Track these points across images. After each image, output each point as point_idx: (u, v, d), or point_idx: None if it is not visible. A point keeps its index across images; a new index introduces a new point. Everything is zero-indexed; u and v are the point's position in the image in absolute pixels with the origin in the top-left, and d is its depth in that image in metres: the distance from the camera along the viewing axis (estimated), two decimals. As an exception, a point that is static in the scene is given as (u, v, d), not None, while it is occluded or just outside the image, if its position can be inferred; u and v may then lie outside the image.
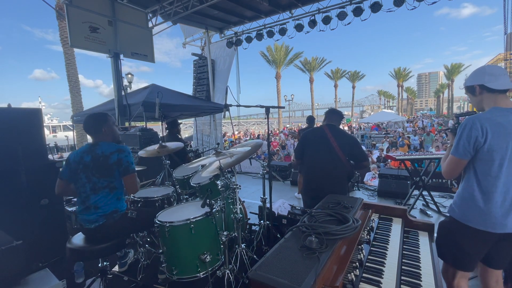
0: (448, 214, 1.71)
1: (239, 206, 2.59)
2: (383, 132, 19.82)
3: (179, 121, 4.77)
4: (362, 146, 2.75)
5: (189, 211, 2.32)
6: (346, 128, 24.16)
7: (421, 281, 1.28)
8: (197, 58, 8.23)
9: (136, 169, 3.22)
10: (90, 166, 2.00)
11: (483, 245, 1.55)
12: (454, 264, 1.66)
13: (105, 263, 2.31)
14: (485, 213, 1.49)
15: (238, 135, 22.40)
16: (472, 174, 1.56)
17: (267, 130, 2.98)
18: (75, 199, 3.55)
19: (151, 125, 5.40)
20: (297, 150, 2.85)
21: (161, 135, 4.43)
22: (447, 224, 1.69)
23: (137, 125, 5.34)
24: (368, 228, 1.66)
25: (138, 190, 2.22)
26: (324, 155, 2.55)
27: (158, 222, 2.15)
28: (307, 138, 2.75)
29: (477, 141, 1.47)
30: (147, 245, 2.68)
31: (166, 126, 4.51)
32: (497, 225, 1.47)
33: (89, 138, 2.19)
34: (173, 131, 4.52)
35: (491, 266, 1.64)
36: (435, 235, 1.80)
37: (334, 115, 2.75)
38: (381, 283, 1.22)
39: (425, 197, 4.45)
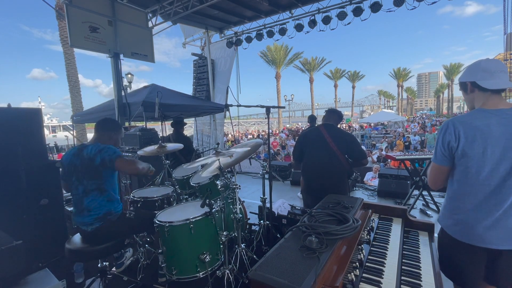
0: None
1: (239, 206, 2.59)
2: (383, 132, 19.86)
3: (185, 120, 4.78)
4: (360, 144, 2.74)
5: (188, 211, 2.32)
6: (345, 127, 24.17)
7: (421, 281, 1.28)
8: (197, 58, 8.23)
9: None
10: (79, 168, 2.01)
11: (474, 259, 1.37)
12: (453, 280, 1.51)
13: (104, 263, 2.31)
14: (466, 225, 1.35)
15: (238, 135, 22.38)
16: (450, 182, 1.45)
17: (267, 130, 2.98)
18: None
19: (151, 125, 5.40)
20: (295, 152, 2.85)
21: (161, 135, 4.43)
22: (440, 235, 1.56)
23: (137, 125, 5.34)
24: (368, 228, 1.66)
25: (138, 168, 2.07)
26: (322, 155, 2.55)
27: (158, 222, 2.15)
28: (304, 139, 2.75)
29: (450, 146, 1.34)
30: (147, 245, 2.67)
31: (171, 124, 4.52)
32: (477, 237, 1.32)
33: (89, 138, 2.20)
34: (180, 130, 4.53)
35: (485, 280, 1.43)
36: (435, 235, 1.80)
37: (333, 114, 2.75)
38: (381, 283, 1.22)
39: (425, 197, 4.45)
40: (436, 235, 1.81)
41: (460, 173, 1.37)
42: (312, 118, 5.58)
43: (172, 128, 4.62)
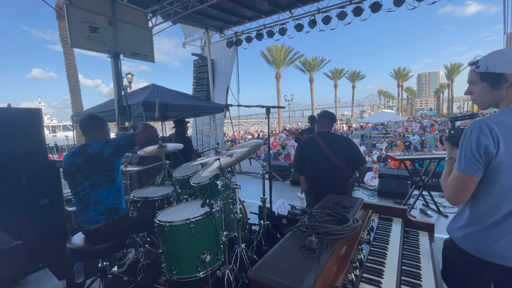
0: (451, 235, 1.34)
1: (239, 206, 2.59)
2: (383, 132, 19.87)
3: (187, 119, 4.79)
4: (358, 149, 2.69)
5: (189, 211, 2.32)
6: (345, 127, 24.15)
7: (421, 281, 1.28)
8: (197, 58, 8.23)
9: (136, 169, 3.25)
10: (84, 166, 2.00)
11: (490, 277, 1.24)
12: None
13: (105, 263, 2.31)
14: (488, 240, 1.18)
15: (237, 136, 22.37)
16: (476, 192, 1.20)
17: (267, 131, 2.98)
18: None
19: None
20: (295, 164, 2.86)
21: (161, 135, 4.44)
22: (449, 249, 1.35)
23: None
24: (368, 228, 1.66)
25: (153, 130, 2.23)
26: (322, 164, 2.54)
27: (158, 222, 2.15)
28: (302, 151, 2.73)
29: (487, 151, 1.10)
30: (147, 245, 2.68)
31: (173, 125, 4.54)
32: (498, 253, 1.17)
33: None
34: (180, 130, 4.54)
35: None
36: (435, 235, 1.80)
37: (325, 119, 2.70)
38: (381, 283, 1.22)
39: (425, 197, 4.45)
40: (436, 235, 1.81)
41: (492, 185, 1.15)
42: (312, 119, 5.61)
43: (174, 128, 4.63)
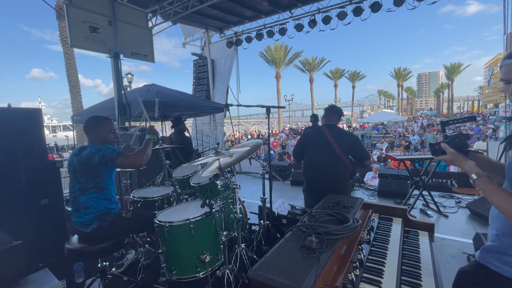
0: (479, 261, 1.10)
1: (239, 206, 2.59)
2: (383, 132, 19.86)
3: (186, 119, 4.79)
4: (363, 145, 2.74)
5: (188, 211, 2.32)
6: (345, 127, 24.15)
7: (421, 281, 1.28)
8: (197, 58, 8.23)
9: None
10: (77, 168, 2.01)
11: None
12: None
13: (104, 263, 2.31)
14: None
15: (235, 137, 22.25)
16: None
17: (267, 131, 2.98)
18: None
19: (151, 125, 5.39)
20: (295, 150, 2.86)
21: (161, 135, 4.43)
22: (482, 279, 1.09)
23: (137, 125, 5.34)
24: (368, 228, 1.66)
25: (142, 160, 2.04)
26: (324, 154, 2.56)
27: (158, 222, 2.15)
28: (306, 138, 2.76)
29: None
30: (147, 245, 2.68)
31: (171, 124, 4.53)
32: None
33: None
34: (178, 129, 4.52)
35: None
36: (436, 235, 1.80)
37: (333, 114, 2.75)
38: (381, 283, 1.22)
39: (425, 197, 4.45)
40: (436, 235, 1.80)
41: None
42: (315, 117, 5.68)
43: (173, 128, 4.62)
